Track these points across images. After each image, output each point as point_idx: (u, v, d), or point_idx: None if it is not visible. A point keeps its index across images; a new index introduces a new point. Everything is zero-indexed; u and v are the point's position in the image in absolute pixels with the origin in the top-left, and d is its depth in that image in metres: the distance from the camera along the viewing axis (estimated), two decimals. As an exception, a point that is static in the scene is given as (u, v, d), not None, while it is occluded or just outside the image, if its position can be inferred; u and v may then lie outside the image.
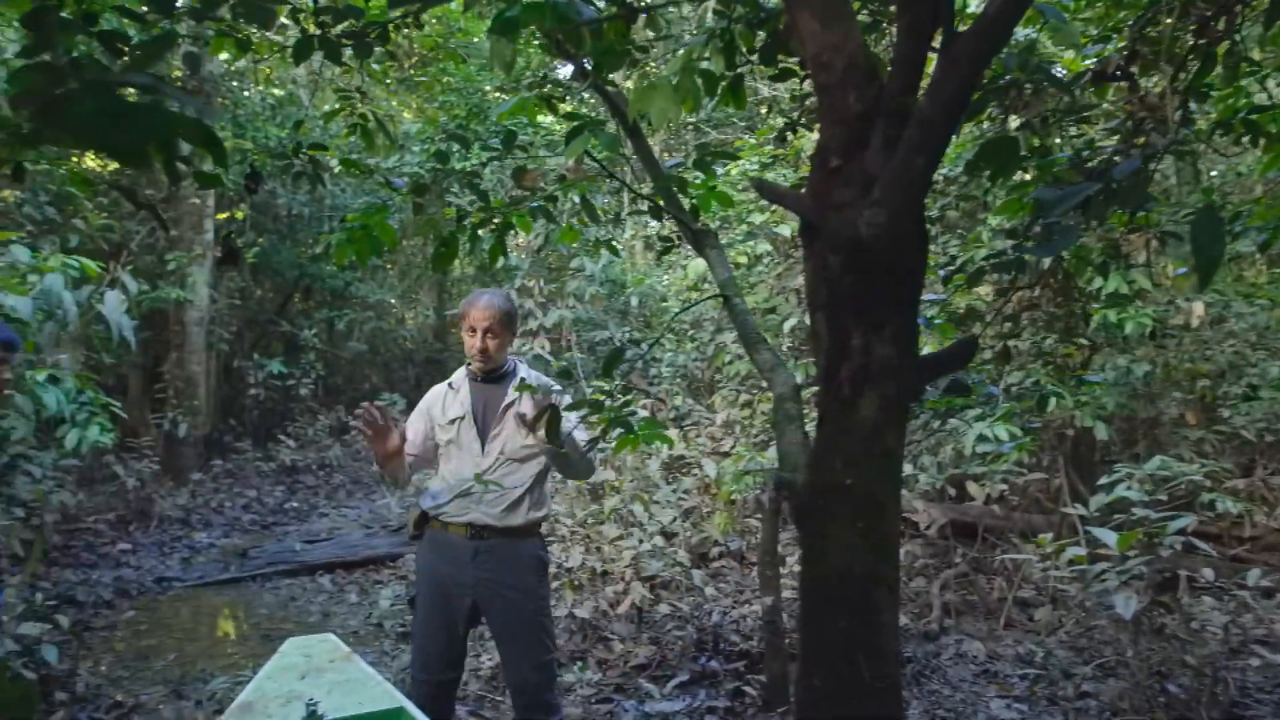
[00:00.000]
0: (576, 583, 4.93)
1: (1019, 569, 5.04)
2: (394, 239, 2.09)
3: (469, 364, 3.12)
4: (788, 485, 1.53)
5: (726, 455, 5.89)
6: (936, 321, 2.37)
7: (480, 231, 2.36)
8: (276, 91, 11.87)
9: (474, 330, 2.97)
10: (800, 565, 1.49)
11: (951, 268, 2.14)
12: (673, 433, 6.25)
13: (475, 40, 12.10)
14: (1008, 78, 1.83)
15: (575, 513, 5.60)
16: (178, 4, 1.69)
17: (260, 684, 2.81)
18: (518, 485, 3.01)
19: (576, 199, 2.20)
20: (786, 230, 5.91)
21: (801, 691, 1.48)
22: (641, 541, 4.90)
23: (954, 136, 1.44)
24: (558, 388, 3.05)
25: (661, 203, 2.12)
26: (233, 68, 10.71)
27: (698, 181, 2.26)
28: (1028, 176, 2.15)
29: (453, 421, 3.06)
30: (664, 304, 8.44)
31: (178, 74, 7.75)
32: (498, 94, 11.99)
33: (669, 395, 7.73)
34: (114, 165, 9.51)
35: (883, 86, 1.29)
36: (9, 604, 3.81)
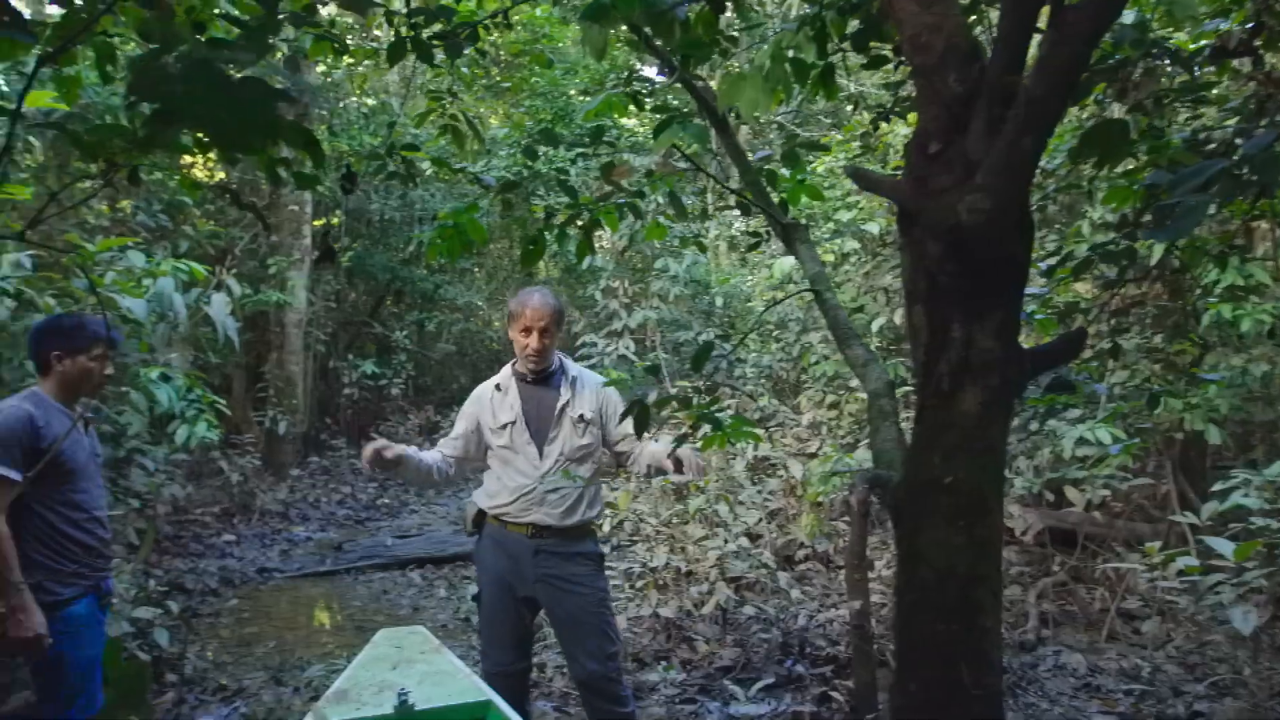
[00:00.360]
0: (661, 582, 4.92)
1: (1123, 579, 4.80)
2: (484, 236, 2.12)
3: (515, 363, 3.12)
4: (883, 483, 1.48)
5: (812, 457, 5.79)
6: (1037, 317, 2.27)
7: (568, 229, 2.37)
8: (370, 101, 12.24)
9: (529, 330, 2.94)
10: (896, 565, 1.44)
11: (1054, 260, 2.04)
12: (758, 433, 6.19)
13: (560, 45, 12.25)
14: (1117, 57, 1.74)
15: (660, 512, 5.59)
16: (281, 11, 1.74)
17: (354, 673, 2.88)
18: (576, 485, 3.05)
19: (663, 198, 2.19)
20: (874, 227, 5.78)
21: (897, 697, 1.44)
22: (726, 542, 4.86)
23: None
24: (603, 380, 3.10)
25: (749, 197, 2.09)
26: (329, 79, 11.10)
27: (786, 175, 2.22)
28: (1137, 162, 2.03)
29: (505, 426, 3.05)
30: (749, 304, 8.37)
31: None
32: (583, 97, 12.11)
33: (747, 402, 7.65)
34: (220, 175, 9.97)
35: (984, 67, 1.24)
36: (122, 591, 4.01)
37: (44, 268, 4.16)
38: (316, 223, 11.15)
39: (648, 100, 2.18)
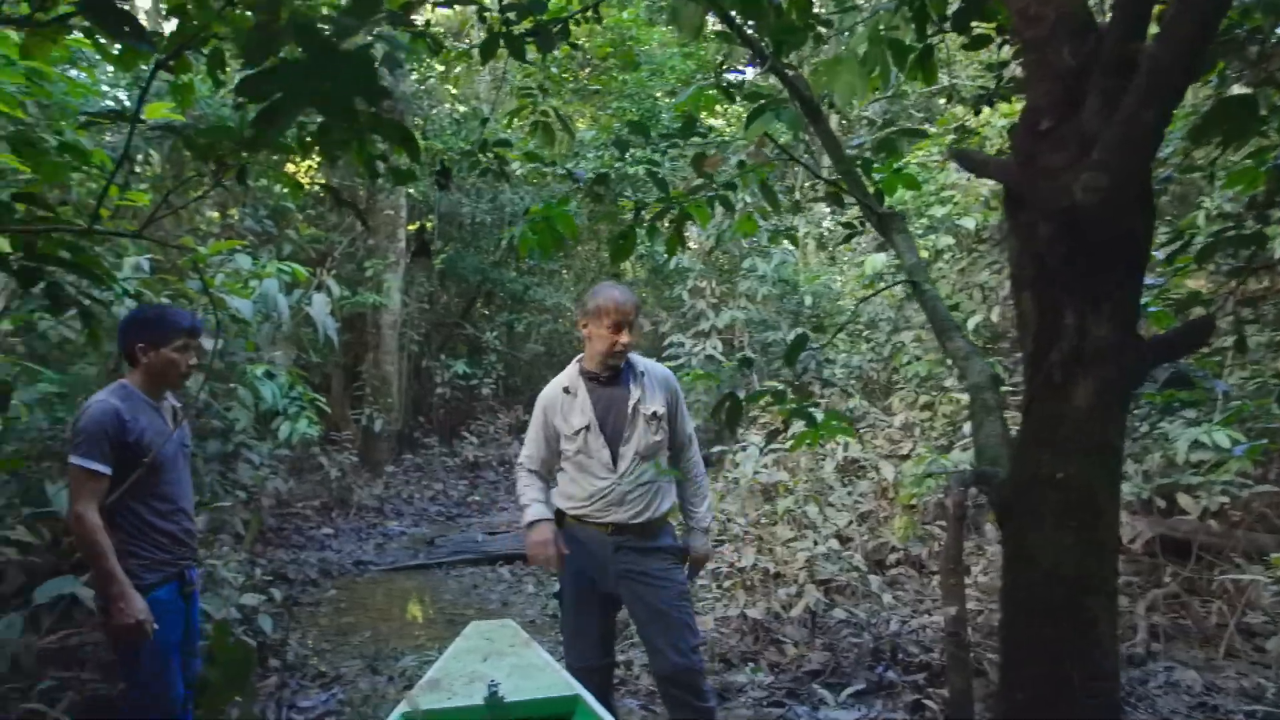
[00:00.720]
0: (748, 583, 4.87)
1: (1243, 592, 4.51)
2: (575, 230, 2.13)
3: (581, 363, 3.08)
4: (988, 480, 1.42)
5: (905, 459, 5.64)
6: (1151, 310, 2.15)
7: (657, 224, 2.36)
8: (461, 108, 12.52)
9: (620, 326, 2.89)
10: (1001, 565, 1.37)
11: (1174, 246, 1.92)
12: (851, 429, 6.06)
13: (646, 47, 12.27)
14: (1245, 27, 1.62)
15: (748, 512, 5.53)
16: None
17: (446, 663, 2.94)
18: (651, 480, 3.03)
19: (749, 196, 2.16)
20: (970, 222, 5.59)
21: (1003, 703, 1.37)
22: (816, 544, 4.77)
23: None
24: (667, 371, 3.12)
25: (843, 187, 2.03)
26: (423, 86, 11.40)
27: (881, 166, 2.16)
28: (1266, 141, 1.89)
29: (578, 432, 3.02)
30: (838, 303, 8.21)
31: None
32: (669, 99, 12.11)
33: (843, 397, 7.51)
34: (321, 180, 10.34)
35: (1100, 37, 1.17)
36: (229, 578, 4.19)
37: (160, 270, 4.38)
38: (411, 226, 11.47)
39: (737, 92, 2.15)
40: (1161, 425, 4.17)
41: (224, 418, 4.87)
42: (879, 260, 5.85)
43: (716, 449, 6.89)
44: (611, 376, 3.04)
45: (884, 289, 2.97)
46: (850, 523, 5.25)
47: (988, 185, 5.70)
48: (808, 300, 8.02)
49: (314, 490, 8.97)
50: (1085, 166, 1.13)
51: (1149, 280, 2.33)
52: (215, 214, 8.28)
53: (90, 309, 1.91)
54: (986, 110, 5.57)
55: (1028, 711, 1.33)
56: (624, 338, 2.89)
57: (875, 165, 2.08)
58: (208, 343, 4.05)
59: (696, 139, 1.95)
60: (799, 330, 8.76)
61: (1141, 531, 4.97)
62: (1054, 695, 1.29)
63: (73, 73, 4.17)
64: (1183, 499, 4.76)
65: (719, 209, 2.16)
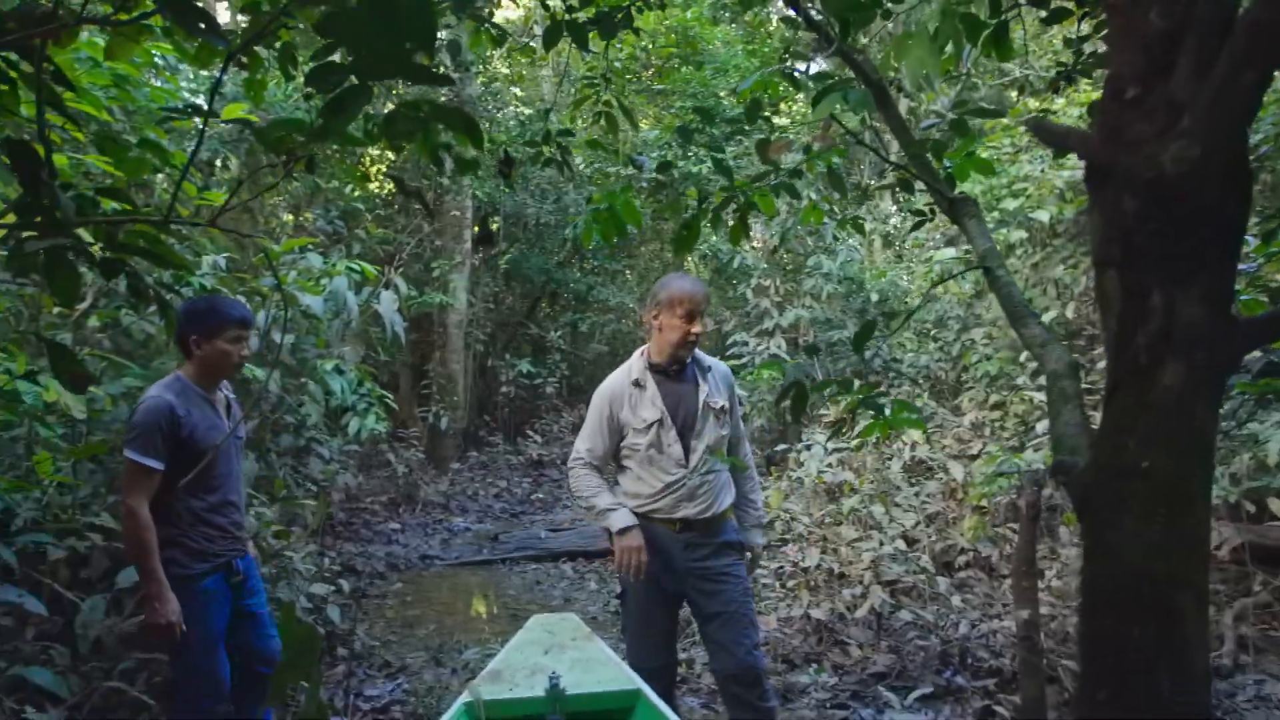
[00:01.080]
0: (812, 583, 4.79)
1: (1342, 604, 4.27)
2: (638, 219, 2.11)
3: (647, 356, 3.05)
4: (1066, 470, 1.35)
5: (974, 459, 5.49)
6: (1244, 298, 2.04)
7: (721, 214, 2.33)
8: (526, 110, 12.64)
9: (692, 316, 2.88)
10: (1081, 561, 1.31)
11: (1271, 227, 1.81)
12: (915, 433, 5.93)
13: (709, 46, 12.21)
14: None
15: (812, 512, 5.45)
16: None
17: (508, 655, 2.95)
18: (718, 475, 3.03)
19: (818, 192, 2.12)
20: (1044, 215, 5.41)
21: (1084, 705, 1.30)
22: (881, 544, 4.67)
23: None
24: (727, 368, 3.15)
25: (912, 172, 1.98)
26: (488, 88, 11.55)
27: (953, 150, 2.09)
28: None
29: (650, 426, 2.98)
30: (906, 300, 8.04)
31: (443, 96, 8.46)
32: (732, 97, 12.04)
33: (911, 398, 7.34)
34: (390, 184, 10.57)
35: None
36: (301, 569, 4.28)
37: (235, 268, 4.52)
38: (476, 228, 11.63)
39: (803, 79, 2.11)
40: (1251, 425, 3.97)
41: (295, 412, 5.00)
42: (948, 255, 5.70)
43: (780, 447, 6.81)
44: (679, 370, 3.03)
45: (956, 275, 2.87)
46: (917, 524, 5.12)
47: (1062, 177, 5.52)
48: (874, 297, 7.87)
49: (382, 486, 9.15)
50: (1174, 136, 1.07)
51: (1241, 266, 2.22)
52: (289, 216, 8.53)
53: (168, 301, 1.96)
54: (1061, 101, 5.41)
55: (1109, 712, 1.26)
56: (696, 327, 2.89)
57: (947, 151, 2.02)
58: (287, 340, 4.17)
59: (761, 124, 1.91)
60: (875, 356, 8.62)
61: (1229, 538, 4.74)
62: (1138, 695, 1.22)
63: (156, 81, 4.33)
64: (1274, 504, 4.53)
65: (785, 202, 2.13)
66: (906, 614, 4.43)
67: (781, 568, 4.98)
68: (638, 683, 2.74)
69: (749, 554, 3.17)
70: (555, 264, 13.09)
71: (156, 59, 4.05)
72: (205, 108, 1.81)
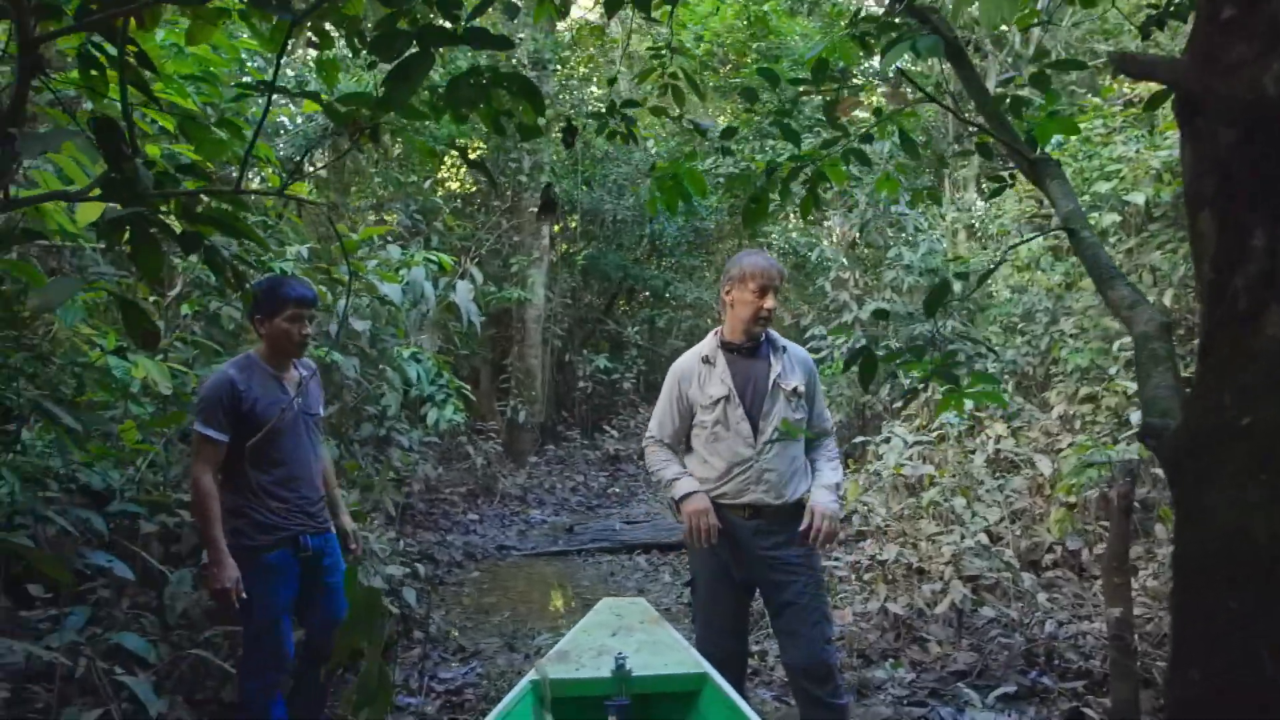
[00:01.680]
0: (890, 577, 4.66)
1: None
2: (704, 187, 2.07)
3: (720, 335, 3.00)
4: (1156, 433, 1.26)
5: (1061, 453, 5.26)
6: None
7: (790, 184, 2.27)
8: (596, 91, 12.68)
9: (764, 291, 2.83)
10: (1175, 528, 1.21)
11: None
12: (999, 427, 5.71)
13: (789, 41, 12.05)
14: None
15: (890, 506, 5.31)
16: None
17: (576, 636, 2.95)
18: (792, 460, 2.93)
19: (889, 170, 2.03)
20: (1139, 197, 5.14)
21: (1177, 687, 1.21)
22: (963, 538, 4.50)
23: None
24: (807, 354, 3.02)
25: (991, 136, 1.88)
26: (565, 85, 11.65)
27: (1032, 113, 1.98)
28: None
29: (716, 402, 2.93)
30: (990, 290, 7.77)
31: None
32: (806, 92, 11.86)
33: (995, 351, 7.08)
34: (470, 184, 10.76)
35: (1298, -90, 1.00)
36: (378, 551, 4.38)
37: (317, 257, 4.65)
38: (556, 228, 11.75)
39: (874, 40, 2.03)
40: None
41: (376, 402, 5.12)
42: (1035, 244, 5.47)
43: (859, 439, 6.67)
44: (752, 349, 2.96)
45: (1035, 237, 2.72)
46: (1001, 519, 4.93)
47: (1159, 158, 5.24)
48: (956, 288, 7.62)
49: (461, 478, 9.32)
50: (1277, 56, 0.98)
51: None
52: (372, 216, 8.77)
53: (244, 275, 2.01)
54: (1162, 29, 5.12)
55: (1205, 691, 1.16)
56: (768, 302, 2.83)
57: (1026, 112, 1.92)
58: (360, 325, 4.27)
59: (830, 83, 1.84)
60: (949, 323, 8.38)
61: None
62: (1238, 673, 1.12)
63: (244, 77, 4.49)
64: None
65: (864, 193, 2.06)
66: (989, 610, 4.26)
67: (858, 561, 4.86)
68: (705, 666, 2.70)
69: (814, 511, 2.89)
70: (633, 260, 13.12)
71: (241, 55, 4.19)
72: (272, 82, 1.85)
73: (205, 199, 1.94)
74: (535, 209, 10.70)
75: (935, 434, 5.45)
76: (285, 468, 2.92)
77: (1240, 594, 1.12)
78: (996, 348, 7.54)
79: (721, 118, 14.18)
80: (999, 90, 1.80)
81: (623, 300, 14.33)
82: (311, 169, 6.98)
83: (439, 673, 4.32)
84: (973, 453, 5.35)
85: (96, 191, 1.88)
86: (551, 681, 2.60)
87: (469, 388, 7.10)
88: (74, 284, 1.58)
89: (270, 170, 3.94)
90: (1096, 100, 5.52)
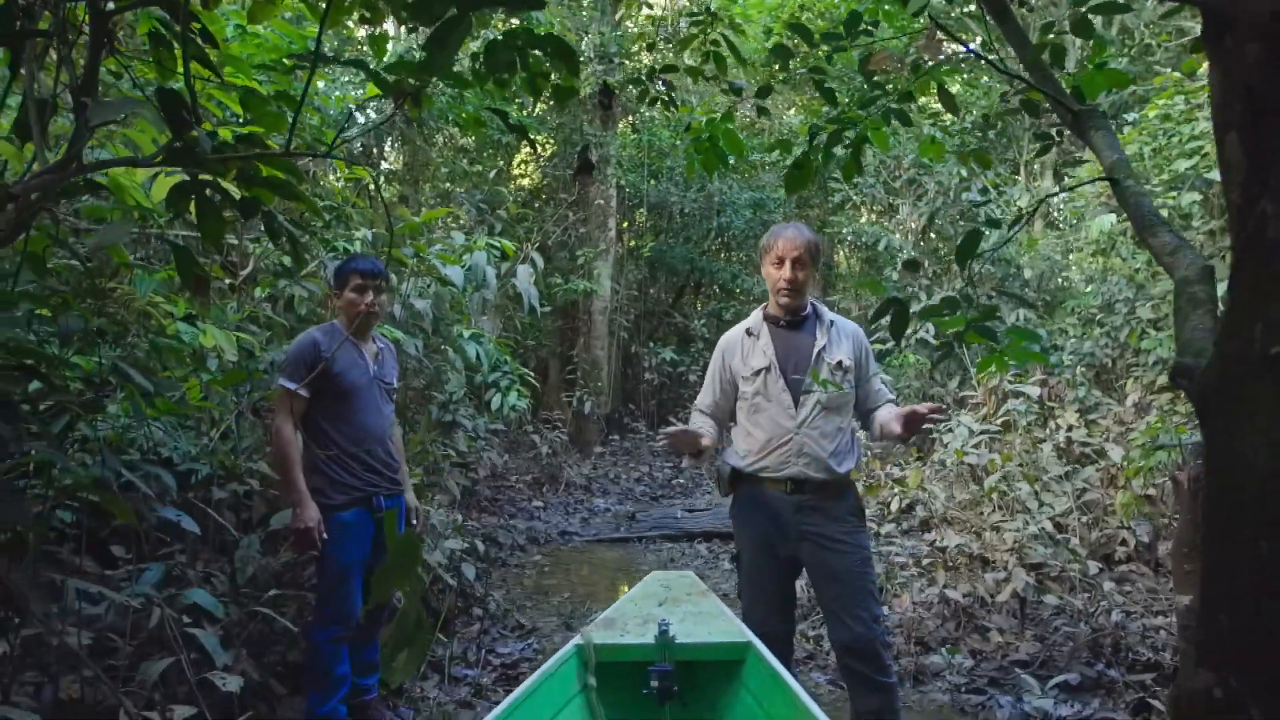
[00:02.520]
0: (951, 564, 4.56)
1: None
2: (742, 148, 2.07)
3: (766, 307, 2.98)
4: (1187, 372, 1.22)
5: (1132, 438, 5.06)
6: None
7: (833, 149, 2.26)
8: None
9: (781, 261, 2.80)
10: (1204, 469, 1.18)
11: None
12: (1071, 416, 5.53)
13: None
14: None
15: (954, 494, 5.20)
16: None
17: (623, 605, 2.98)
18: (835, 434, 2.87)
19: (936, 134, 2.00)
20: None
21: (1205, 629, 1.17)
22: (1027, 524, 4.38)
23: None
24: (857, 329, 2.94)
25: (1037, 94, 1.84)
26: (628, 71, 11.68)
27: (1080, 70, 1.93)
28: None
29: (757, 373, 2.92)
30: (1064, 277, 7.52)
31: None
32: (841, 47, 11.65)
33: (1072, 385, 6.86)
34: (533, 173, 10.89)
35: None
36: (437, 525, 4.49)
37: (383, 241, 4.79)
38: (624, 224, 11.82)
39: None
40: None
41: (440, 386, 5.25)
42: (1107, 221, 5.28)
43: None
44: (796, 321, 2.94)
45: (1079, 184, 2.62)
46: (1069, 510, 4.78)
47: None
48: (1028, 274, 7.40)
49: (527, 466, 9.45)
50: (1304, -36, 0.94)
51: None
52: (442, 210, 8.99)
53: (298, 238, 2.10)
54: None
55: (1234, 638, 1.12)
56: (786, 272, 2.80)
57: (1070, 73, 1.86)
58: (420, 304, 4.39)
59: (863, 37, 1.82)
60: (1022, 312, 8.15)
61: None
62: (1265, 619, 1.08)
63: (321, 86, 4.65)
64: None
65: (935, 181, 2.03)
66: (1053, 599, 4.14)
67: (916, 547, 4.77)
68: (749, 636, 2.69)
69: (899, 415, 2.79)
70: (700, 253, 13.11)
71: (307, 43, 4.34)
72: (316, 50, 1.92)
73: (261, 166, 2.04)
74: (602, 201, 10.80)
75: (1000, 422, 5.31)
76: (362, 430, 3.11)
77: (1270, 537, 1.08)
78: (1074, 339, 7.30)
79: (792, 109, 14.05)
80: (1040, 41, 1.75)
81: (691, 294, 14.33)
82: (385, 163, 7.20)
83: (496, 647, 4.41)
84: (1042, 442, 5.20)
85: (160, 157, 1.99)
86: (596, 646, 2.64)
87: (533, 374, 7.21)
88: (127, 226, 1.67)
89: (325, 148, 4.07)
90: (1178, 75, 5.29)
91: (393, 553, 1.68)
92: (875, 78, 1.82)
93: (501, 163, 10.95)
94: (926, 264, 8.65)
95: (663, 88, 2.11)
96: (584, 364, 11.00)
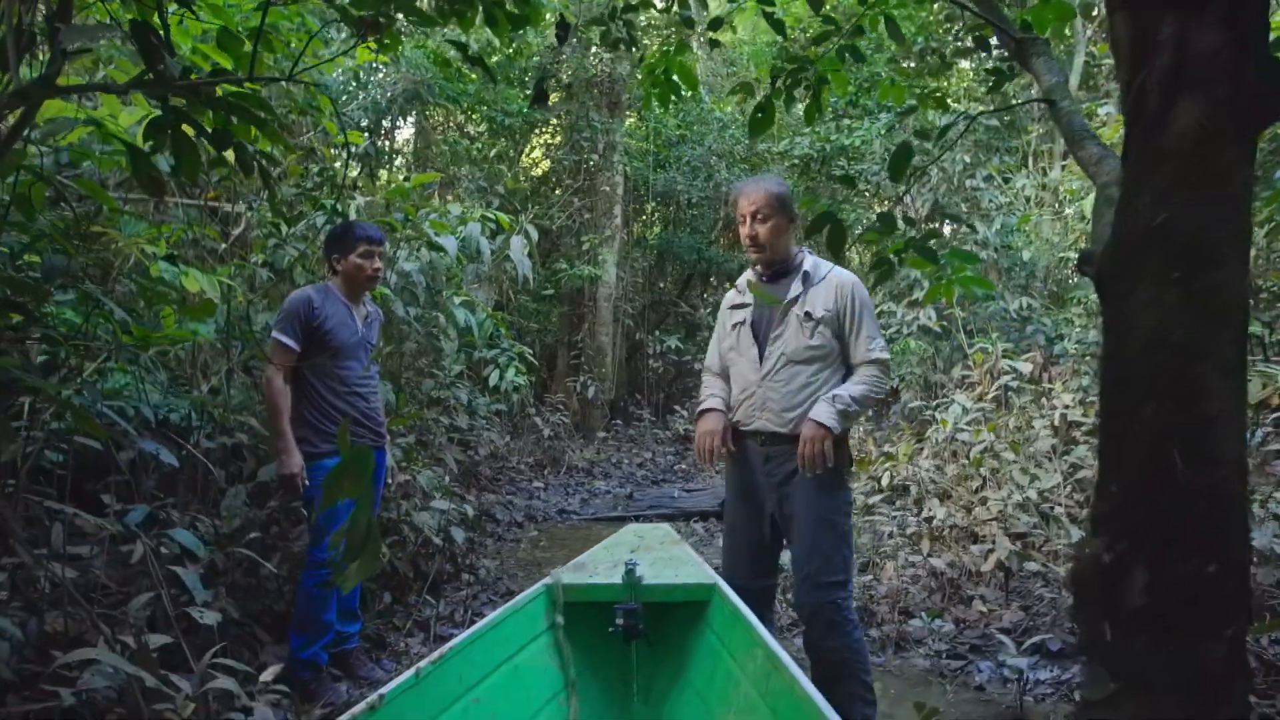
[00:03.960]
0: (937, 535, 4.57)
1: None
2: (694, 80, 2.11)
3: (752, 264, 2.96)
4: (1089, 258, 1.25)
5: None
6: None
7: (794, 91, 2.29)
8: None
9: (744, 218, 2.77)
10: (1101, 343, 1.21)
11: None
12: (1068, 396, 5.52)
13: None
14: None
15: (946, 471, 5.20)
16: None
17: (595, 552, 3.02)
18: (801, 389, 2.80)
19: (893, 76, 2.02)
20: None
21: (1099, 502, 1.20)
22: (1011, 495, 4.39)
23: None
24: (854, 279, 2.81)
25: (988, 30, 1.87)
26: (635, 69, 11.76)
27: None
28: None
29: (734, 327, 2.93)
30: (1065, 260, 7.49)
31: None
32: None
33: (1075, 374, 6.84)
34: (548, 160, 10.91)
35: None
36: (423, 485, 4.54)
37: (376, 207, 4.87)
38: (622, 206, 11.86)
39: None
40: None
41: (434, 351, 5.30)
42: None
43: (915, 404, 6.56)
44: (777, 275, 2.90)
45: (1018, 105, 2.62)
46: (1057, 486, 4.77)
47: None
48: (1025, 256, 7.38)
49: (528, 448, 9.50)
50: None
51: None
52: (448, 196, 9.07)
53: (269, 172, 2.16)
54: None
55: (1124, 507, 1.15)
56: (746, 229, 2.78)
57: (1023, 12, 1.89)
58: (409, 266, 4.45)
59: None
60: (1025, 300, 8.12)
61: None
62: (1151, 481, 1.11)
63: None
64: None
65: (937, 168, 2.06)
66: (1035, 564, 4.14)
67: (903, 518, 4.79)
68: (715, 579, 2.72)
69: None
70: (707, 244, 13.13)
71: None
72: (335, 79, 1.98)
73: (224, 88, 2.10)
74: (608, 188, 10.84)
75: (992, 398, 5.32)
76: (348, 385, 3.28)
77: (1156, 399, 1.11)
78: (1079, 328, 7.27)
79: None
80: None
81: (698, 284, 14.35)
82: (393, 146, 7.29)
83: (484, 610, 4.46)
84: (1036, 418, 5.20)
85: (133, 86, 2.06)
86: (564, 586, 2.68)
87: (534, 357, 7.26)
88: (102, 28, 1.78)
89: (329, 120, 4.14)
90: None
91: (344, 459, 1.72)
92: (823, 10, 1.85)
93: (511, 152, 11.04)
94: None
95: (623, 30, 2.14)
96: (588, 349, 11.05)
